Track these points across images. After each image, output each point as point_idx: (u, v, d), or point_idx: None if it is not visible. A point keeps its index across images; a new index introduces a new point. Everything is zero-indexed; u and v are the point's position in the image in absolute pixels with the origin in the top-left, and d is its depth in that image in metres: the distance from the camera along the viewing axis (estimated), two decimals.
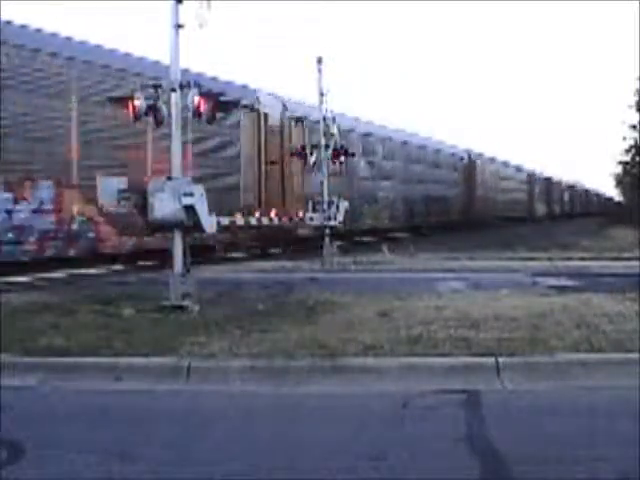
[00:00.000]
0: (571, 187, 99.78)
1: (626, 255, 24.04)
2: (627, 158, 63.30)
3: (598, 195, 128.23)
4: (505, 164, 65.41)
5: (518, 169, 70.33)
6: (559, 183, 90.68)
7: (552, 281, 16.39)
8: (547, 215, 77.30)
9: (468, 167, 53.59)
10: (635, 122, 57.40)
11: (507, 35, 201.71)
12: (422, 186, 44.65)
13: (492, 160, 60.98)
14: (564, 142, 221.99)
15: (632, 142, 59.27)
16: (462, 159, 53.12)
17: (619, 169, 74.23)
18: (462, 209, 51.69)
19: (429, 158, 47.13)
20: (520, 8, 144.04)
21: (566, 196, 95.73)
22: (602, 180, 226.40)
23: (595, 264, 21.19)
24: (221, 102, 13.80)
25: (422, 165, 45.57)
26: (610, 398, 7.70)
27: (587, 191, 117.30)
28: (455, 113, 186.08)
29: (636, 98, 56.08)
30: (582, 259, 23.27)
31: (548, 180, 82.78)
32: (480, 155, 57.24)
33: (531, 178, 73.65)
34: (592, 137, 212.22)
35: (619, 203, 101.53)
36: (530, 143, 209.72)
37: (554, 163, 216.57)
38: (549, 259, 23.08)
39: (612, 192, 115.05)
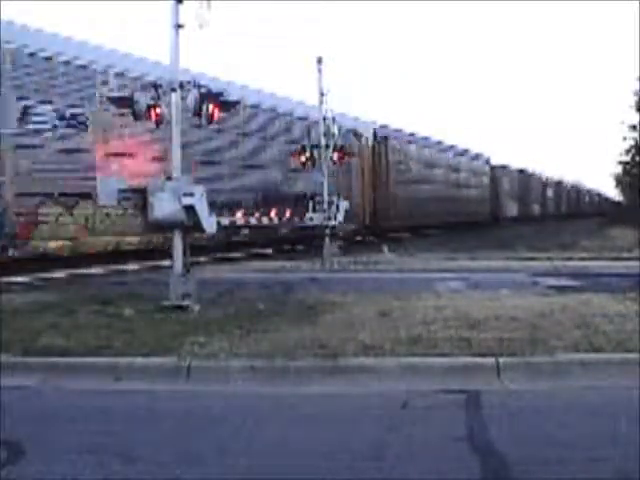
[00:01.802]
0: (557, 183, 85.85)
1: (626, 255, 24.05)
2: (627, 158, 63.48)
3: (590, 193, 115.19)
4: (452, 150, 49.78)
5: (475, 158, 55.53)
6: (540, 178, 76.13)
7: (552, 281, 16.39)
8: (521, 217, 64.40)
9: (373, 150, 37.31)
10: (635, 122, 57.60)
11: (507, 35, 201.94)
12: (259, 173, 27.76)
13: (423, 142, 44.03)
14: (564, 143, 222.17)
15: (632, 142, 59.44)
16: (360, 137, 35.60)
17: (619, 169, 74.37)
18: (359, 212, 34.72)
19: (279, 130, 29.41)
20: (520, 8, 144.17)
21: (550, 194, 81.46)
22: (602, 180, 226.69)
23: (595, 264, 21.20)
24: (221, 102, 13.79)
25: (264, 142, 28.33)
26: (610, 398, 7.69)
27: (578, 189, 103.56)
28: (455, 113, 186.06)
29: (636, 98, 56.26)
30: (582, 259, 23.28)
31: (523, 173, 68.18)
32: (396, 133, 40.32)
33: (495, 170, 59.34)
34: (592, 137, 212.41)
35: (618, 203, 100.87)
36: (530, 144, 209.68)
37: (554, 163, 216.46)
38: (549, 259, 23.08)
39: (612, 192, 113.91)
